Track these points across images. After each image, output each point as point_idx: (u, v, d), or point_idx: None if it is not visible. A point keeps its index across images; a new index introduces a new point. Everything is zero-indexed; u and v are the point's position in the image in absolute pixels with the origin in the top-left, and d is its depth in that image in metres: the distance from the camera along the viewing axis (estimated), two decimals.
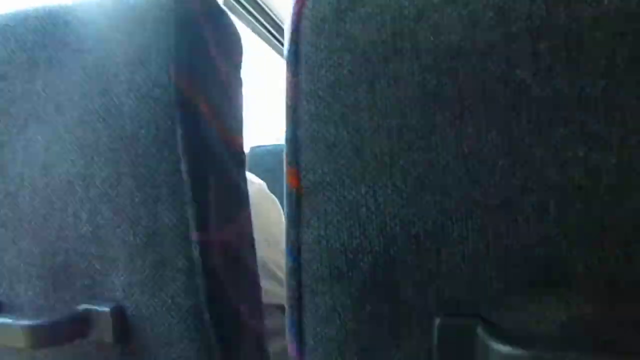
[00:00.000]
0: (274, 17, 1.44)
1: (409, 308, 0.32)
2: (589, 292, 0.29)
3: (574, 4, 0.27)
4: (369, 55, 0.31)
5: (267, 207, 0.75)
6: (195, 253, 0.42)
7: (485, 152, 0.29)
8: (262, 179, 0.81)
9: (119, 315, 0.43)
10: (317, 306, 0.33)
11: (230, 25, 0.47)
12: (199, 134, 0.42)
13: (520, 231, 0.29)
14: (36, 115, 0.45)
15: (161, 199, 0.41)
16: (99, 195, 0.43)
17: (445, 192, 0.30)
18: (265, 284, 0.53)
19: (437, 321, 0.31)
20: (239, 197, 0.48)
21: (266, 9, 1.41)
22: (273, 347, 0.53)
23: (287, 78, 0.33)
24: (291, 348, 0.36)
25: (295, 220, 0.33)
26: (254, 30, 1.48)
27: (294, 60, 0.32)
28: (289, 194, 0.33)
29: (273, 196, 0.79)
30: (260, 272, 0.51)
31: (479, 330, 0.30)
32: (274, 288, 0.68)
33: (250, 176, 0.65)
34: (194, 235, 0.41)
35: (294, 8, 0.32)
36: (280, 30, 1.50)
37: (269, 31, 1.48)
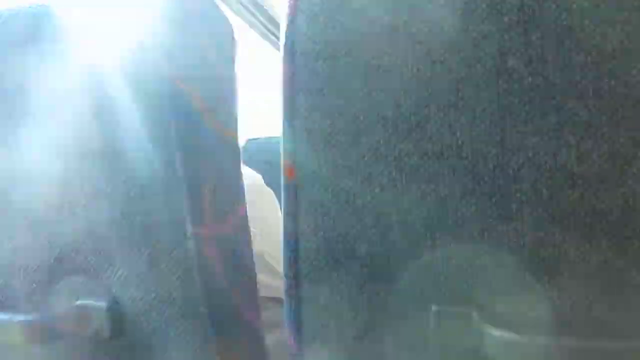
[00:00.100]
0: (268, 10, 1.44)
1: (406, 296, 0.32)
2: (581, 277, 0.29)
3: None
4: (364, 47, 0.31)
5: (262, 200, 0.76)
6: (191, 247, 0.42)
7: (479, 141, 0.30)
8: (257, 172, 0.81)
9: (116, 309, 0.43)
10: (314, 295, 0.34)
11: (223, 19, 0.47)
12: (193, 129, 0.42)
13: (513, 218, 0.30)
14: (30, 111, 0.45)
15: (157, 193, 0.41)
16: (94, 191, 0.43)
17: (439, 181, 0.31)
18: (261, 276, 0.53)
19: (433, 308, 0.32)
20: (235, 190, 0.48)
21: (261, 2, 1.41)
22: (269, 339, 0.53)
23: (283, 70, 0.33)
24: (289, 337, 0.36)
25: (292, 211, 0.34)
26: (250, 24, 1.48)
27: (290, 53, 0.33)
28: (286, 186, 0.34)
29: (269, 189, 0.79)
30: (256, 265, 0.51)
31: (474, 317, 0.30)
32: (270, 281, 0.68)
33: (245, 169, 0.65)
34: (190, 230, 0.41)
35: (290, 2, 0.32)
36: (275, 24, 1.50)
37: (264, 25, 1.48)
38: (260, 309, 0.51)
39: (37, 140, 0.44)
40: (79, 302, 0.43)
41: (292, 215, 0.34)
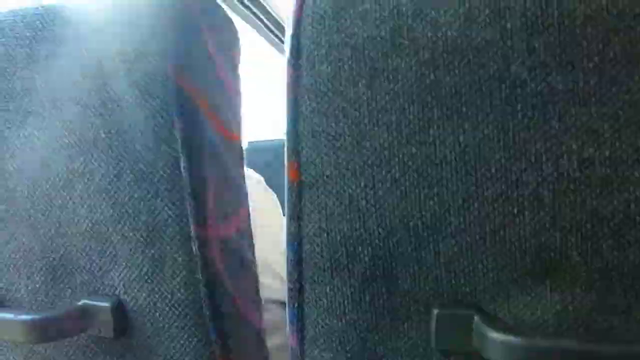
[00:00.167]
0: (273, 14, 1.45)
1: (408, 299, 0.32)
2: (583, 282, 0.30)
3: (568, 1, 0.28)
4: (369, 50, 0.31)
5: (265, 202, 0.76)
6: (195, 248, 0.42)
7: (482, 146, 0.30)
8: (259, 174, 0.81)
9: (119, 310, 0.44)
10: (317, 297, 0.34)
11: (228, 21, 0.47)
12: (197, 130, 0.42)
13: (516, 223, 0.30)
14: (35, 111, 0.45)
15: (160, 194, 0.42)
16: (98, 191, 0.43)
17: (442, 185, 0.31)
18: (263, 278, 0.53)
19: (435, 311, 0.32)
20: (238, 192, 0.48)
21: (266, 6, 1.42)
22: (272, 341, 0.53)
23: (288, 73, 0.33)
24: (292, 339, 0.36)
25: (295, 213, 0.34)
26: (254, 27, 1.49)
27: (295, 56, 0.33)
28: (290, 188, 0.34)
29: (271, 191, 0.80)
30: (259, 267, 0.51)
31: (476, 320, 0.31)
32: (272, 283, 0.68)
33: (248, 171, 0.65)
34: (193, 231, 0.42)
35: (294, 5, 0.32)
36: (280, 27, 1.51)
37: (268, 28, 1.49)
38: (262, 311, 0.51)
39: (41, 140, 0.45)
40: (82, 302, 0.44)
41: (295, 218, 0.34)
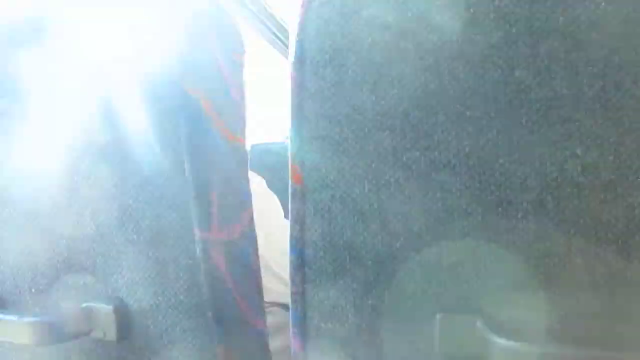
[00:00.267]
0: (278, 19, 1.45)
1: (411, 303, 0.32)
2: (586, 287, 0.30)
3: (572, 7, 0.28)
4: (373, 56, 0.31)
5: (267, 205, 0.76)
6: (198, 251, 0.42)
7: (485, 151, 0.30)
8: (261, 176, 0.81)
9: (122, 312, 0.44)
10: (320, 301, 0.34)
11: (233, 26, 0.47)
12: (202, 134, 0.43)
13: (519, 227, 0.30)
14: (41, 115, 0.45)
15: (165, 198, 0.42)
16: (103, 194, 0.43)
17: (446, 190, 0.31)
18: (266, 281, 0.53)
19: (438, 316, 0.32)
20: (242, 196, 0.48)
21: (270, 10, 1.42)
22: (274, 344, 0.53)
23: (293, 77, 0.33)
24: (294, 342, 0.36)
25: (299, 217, 0.34)
26: (259, 32, 1.49)
27: (300, 60, 0.33)
28: (294, 191, 0.34)
29: (273, 194, 0.80)
30: (261, 270, 0.51)
31: (479, 325, 0.30)
32: (275, 285, 0.68)
33: (250, 174, 0.65)
34: (197, 234, 0.42)
35: (299, 10, 0.33)
36: (284, 31, 1.51)
37: (273, 33, 1.50)
38: (265, 313, 0.51)
39: (47, 143, 0.45)
40: (86, 305, 0.44)
41: (298, 221, 0.34)
